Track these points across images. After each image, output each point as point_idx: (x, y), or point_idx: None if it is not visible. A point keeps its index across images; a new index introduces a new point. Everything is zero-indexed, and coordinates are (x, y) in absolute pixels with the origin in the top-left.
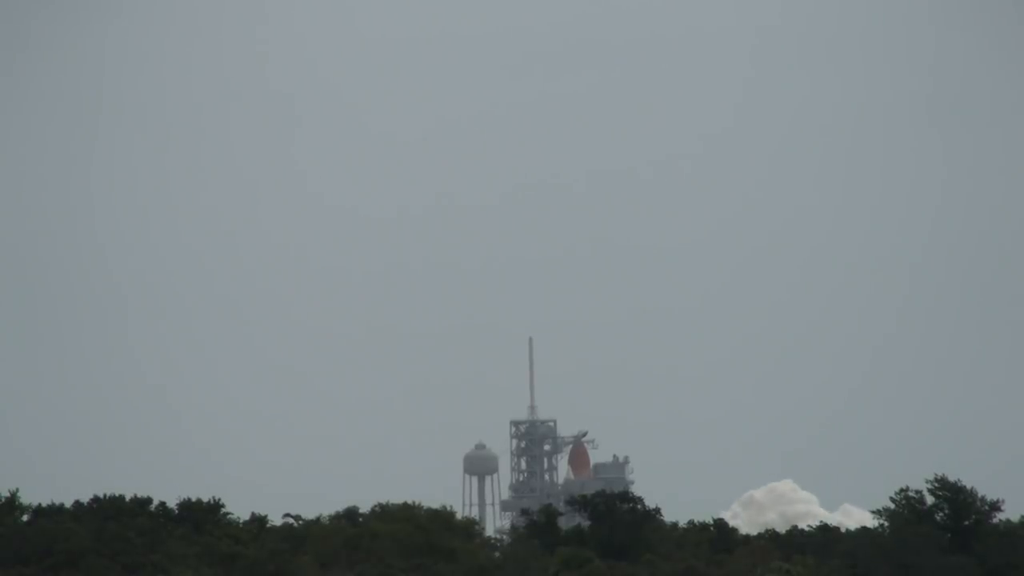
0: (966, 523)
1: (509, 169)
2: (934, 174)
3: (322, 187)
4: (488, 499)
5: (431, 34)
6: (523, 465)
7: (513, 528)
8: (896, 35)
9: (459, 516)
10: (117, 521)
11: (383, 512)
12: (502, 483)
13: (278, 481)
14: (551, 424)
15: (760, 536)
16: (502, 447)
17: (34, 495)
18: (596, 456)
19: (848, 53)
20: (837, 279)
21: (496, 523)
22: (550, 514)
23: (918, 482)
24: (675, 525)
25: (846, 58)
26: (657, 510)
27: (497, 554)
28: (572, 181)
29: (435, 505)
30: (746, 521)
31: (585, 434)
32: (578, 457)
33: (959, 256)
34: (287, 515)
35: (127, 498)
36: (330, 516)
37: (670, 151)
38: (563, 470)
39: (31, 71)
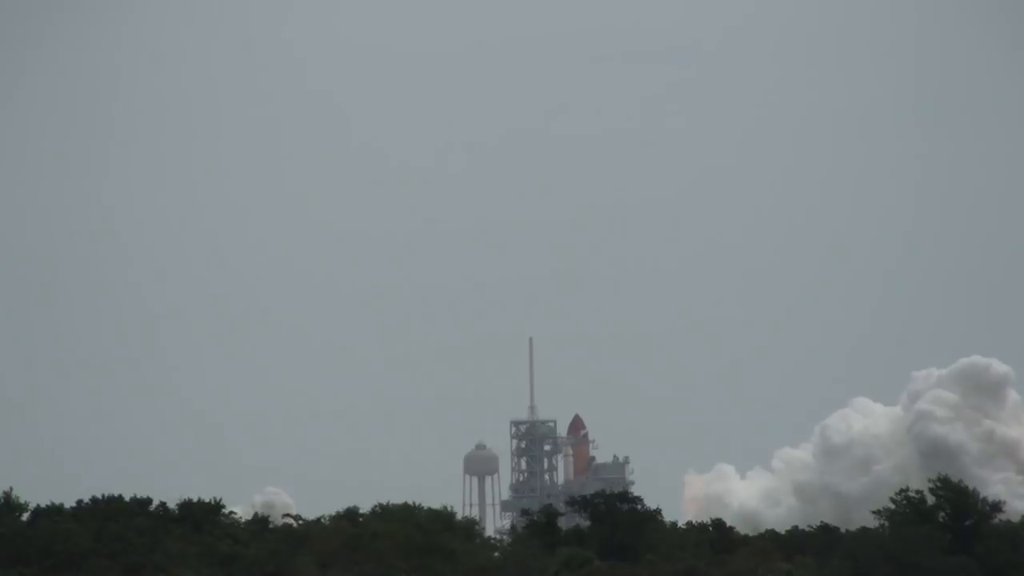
0: (967, 523)
1: (510, 168)
2: (916, 174)
3: (322, 187)
4: (488, 499)
5: (433, 42)
6: (523, 465)
7: (513, 528)
8: (883, 34)
9: (459, 516)
10: (117, 521)
11: (383, 512)
12: (502, 483)
13: (278, 481)
14: (551, 424)
15: (760, 536)
16: (502, 447)
17: (34, 495)
18: (596, 456)
19: (839, 53)
20: (838, 283)
21: (496, 523)
22: (550, 514)
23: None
24: (675, 525)
25: (839, 57)
26: (657, 510)
27: (497, 554)
28: (572, 181)
29: (435, 505)
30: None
31: (585, 434)
32: (578, 451)
33: (958, 256)
34: (287, 515)
35: (127, 498)
36: (330, 516)
37: (667, 151)
38: (563, 470)
39: (33, 71)
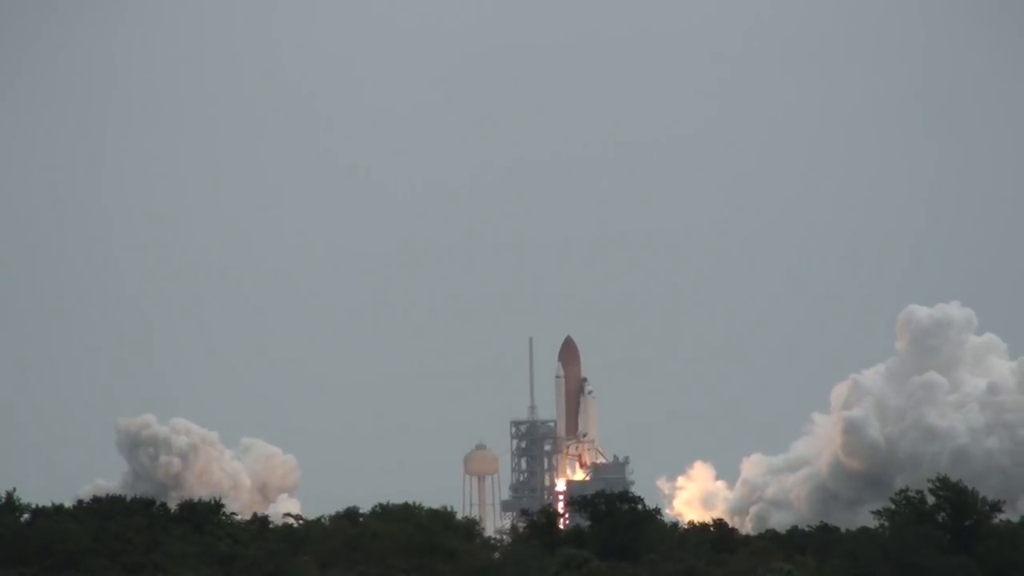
0: (967, 523)
1: (511, 170)
2: (914, 179)
3: (324, 189)
4: (488, 499)
5: (436, 50)
6: (523, 465)
7: (513, 528)
8: (883, 34)
9: (459, 516)
10: (117, 521)
11: (383, 512)
12: (502, 483)
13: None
14: (551, 424)
15: (761, 536)
16: (502, 447)
17: (34, 495)
18: (596, 456)
19: (837, 53)
20: (841, 285)
21: (496, 523)
22: (550, 514)
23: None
24: (675, 525)
25: (838, 57)
26: (657, 510)
27: (497, 554)
28: (572, 182)
29: (435, 505)
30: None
31: (585, 434)
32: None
33: (956, 256)
34: (287, 515)
35: (127, 498)
36: (330, 516)
37: (670, 154)
38: (563, 470)
39: (33, 70)
